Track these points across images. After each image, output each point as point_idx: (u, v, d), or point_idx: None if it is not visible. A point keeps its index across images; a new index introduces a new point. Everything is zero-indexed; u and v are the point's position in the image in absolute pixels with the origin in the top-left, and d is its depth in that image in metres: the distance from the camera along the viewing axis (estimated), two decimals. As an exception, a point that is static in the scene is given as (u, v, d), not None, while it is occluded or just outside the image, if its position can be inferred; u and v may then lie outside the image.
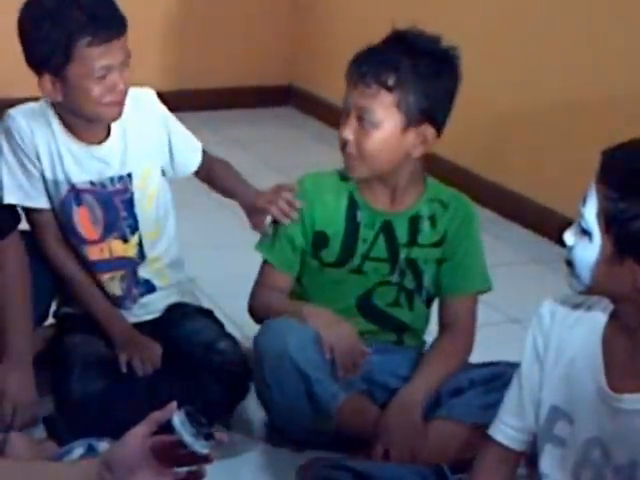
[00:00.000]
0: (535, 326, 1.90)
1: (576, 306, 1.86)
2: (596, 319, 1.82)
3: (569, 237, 1.72)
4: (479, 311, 2.44)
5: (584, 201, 1.69)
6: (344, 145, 2.29)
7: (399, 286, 2.39)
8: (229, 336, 2.57)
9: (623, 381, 1.76)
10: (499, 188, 4.10)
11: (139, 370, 2.47)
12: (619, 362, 1.77)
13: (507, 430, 1.93)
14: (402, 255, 2.37)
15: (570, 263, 1.73)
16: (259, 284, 2.43)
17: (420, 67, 2.25)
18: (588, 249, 1.69)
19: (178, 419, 1.55)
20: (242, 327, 2.77)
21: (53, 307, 2.62)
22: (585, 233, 1.69)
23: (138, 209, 2.50)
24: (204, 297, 2.83)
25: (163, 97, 5.14)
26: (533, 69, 3.93)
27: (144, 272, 2.56)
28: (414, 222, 2.37)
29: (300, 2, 5.39)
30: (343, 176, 2.38)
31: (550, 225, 3.66)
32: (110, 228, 2.50)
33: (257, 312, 2.42)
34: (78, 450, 2.03)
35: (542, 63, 3.89)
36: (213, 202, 4.11)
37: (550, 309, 1.88)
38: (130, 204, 2.49)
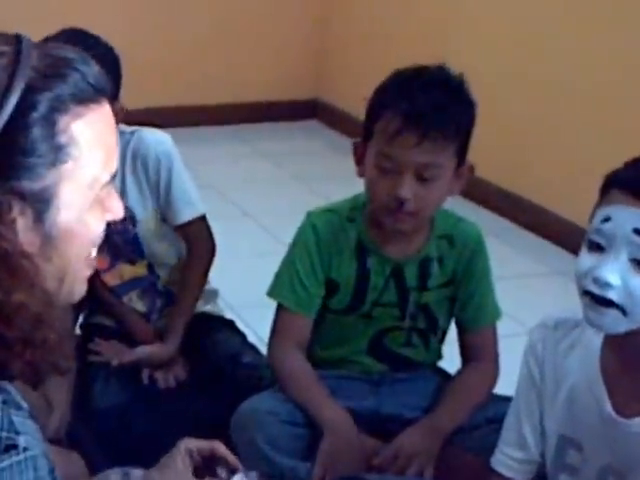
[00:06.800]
0: (528, 354, 1.85)
1: (568, 330, 1.81)
2: (590, 344, 1.76)
3: (614, 277, 1.60)
4: (502, 323, 2.41)
5: (638, 232, 1.59)
6: (400, 204, 2.11)
7: (410, 329, 2.31)
8: (253, 348, 2.59)
9: (629, 405, 1.71)
10: (520, 200, 4.13)
11: (161, 383, 2.49)
12: (622, 386, 1.72)
13: (510, 462, 1.90)
14: (412, 299, 2.28)
15: (611, 303, 1.61)
16: (276, 332, 2.30)
17: (463, 110, 2.17)
18: None
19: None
20: (264, 338, 2.77)
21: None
22: None
23: (144, 245, 2.53)
24: (226, 307, 2.84)
25: (191, 111, 5.24)
26: (556, 81, 3.95)
27: (164, 283, 2.60)
28: (424, 265, 2.27)
29: (326, 19, 5.42)
30: (351, 217, 2.27)
31: (571, 237, 3.67)
32: (116, 257, 2.53)
33: (275, 370, 2.29)
34: (115, 477, 2.04)
35: (566, 76, 3.91)
36: (235, 211, 4.15)
37: (542, 336, 1.83)
38: (134, 241, 2.51)
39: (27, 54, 1.19)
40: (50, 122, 1.18)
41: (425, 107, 2.09)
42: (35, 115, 1.17)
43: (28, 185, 1.18)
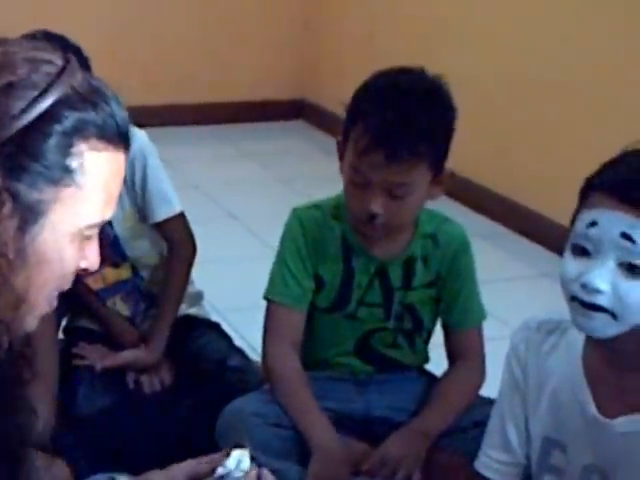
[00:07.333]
0: (511, 357, 1.83)
1: (550, 332, 1.79)
2: (572, 344, 1.75)
3: (603, 283, 1.58)
4: (489, 326, 2.41)
5: (629, 239, 1.56)
6: (371, 218, 2.11)
7: (396, 330, 2.30)
8: (240, 351, 2.58)
9: (612, 404, 1.70)
10: (511, 202, 4.11)
11: (147, 387, 2.47)
12: (605, 386, 1.70)
13: (495, 465, 1.88)
14: (396, 299, 2.27)
15: (601, 308, 1.58)
16: (271, 331, 2.27)
17: (439, 120, 2.13)
18: None
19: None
20: (250, 340, 2.76)
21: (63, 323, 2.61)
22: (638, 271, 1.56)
23: (125, 245, 2.51)
24: (212, 310, 2.82)
25: (179, 110, 5.22)
26: (551, 84, 3.93)
27: (148, 285, 2.58)
28: (409, 265, 2.26)
29: (312, 18, 5.41)
30: (335, 214, 2.27)
31: (560, 240, 3.66)
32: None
33: (267, 371, 2.27)
34: None
35: (561, 78, 3.89)
36: (220, 212, 4.13)
37: (524, 338, 1.81)
38: (114, 243, 2.48)
39: (71, 72, 1.22)
40: (68, 141, 1.19)
41: (395, 125, 2.06)
42: (57, 127, 1.19)
43: (25, 191, 1.18)
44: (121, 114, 1.26)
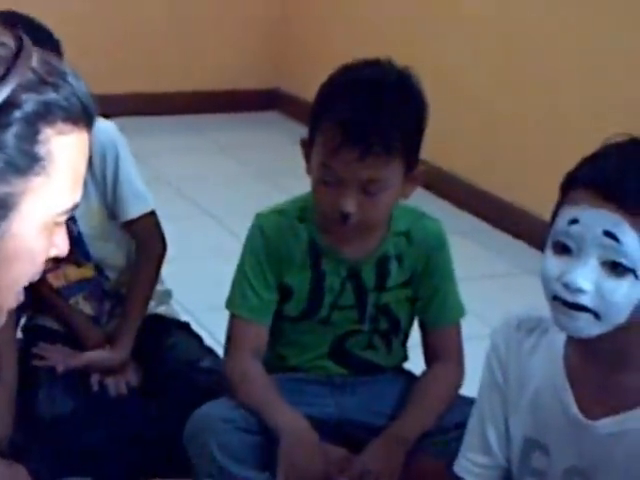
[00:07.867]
0: (491, 357, 1.81)
1: (531, 330, 1.77)
2: (553, 343, 1.74)
3: (586, 283, 1.56)
4: (470, 324, 2.38)
5: (613, 237, 1.54)
6: (345, 217, 2.08)
7: (371, 331, 2.27)
8: (211, 352, 2.54)
9: (594, 406, 1.69)
10: (493, 198, 4.11)
11: (112, 389, 2.41)
12: (587, 387, 1.69)
13: (475, 469, 1.85)
14: (370, 301, 2.24)
15: (584, 308, 1.57)
16: (231, 343, 2.26)
17: (409, 114, 2.11)
18: (636, 287, 1.55)
19: None
20: (220, 340, 2.70)
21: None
22: (625, 270, 1.55)
23: (89, 245, 2.44)
24: (181, 309, 2.78)
25: (147, 99, 5.18)
26: (532, 77, 3.93)
27: (114, 285, 2.51)
28: (382, 264, 2.22)
29: (287, 5, 5.39)
30: (302, 216, 2.23)
31: (544, 237, 3.64)
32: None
33: (228, 378, 2.24)
34: None
35: (538, 72, 3.89)
36: (191, 209, 4.09)
37: (504, 337, 1.79)
38: (78, 241, 2.40)
39: (28, 53, 1.16)
40: (33, 128, 1.14)
41: (366, 120, 2.05)
42: (18, 115, 1.13)
43: None
44: (82, 90, 1.19)
